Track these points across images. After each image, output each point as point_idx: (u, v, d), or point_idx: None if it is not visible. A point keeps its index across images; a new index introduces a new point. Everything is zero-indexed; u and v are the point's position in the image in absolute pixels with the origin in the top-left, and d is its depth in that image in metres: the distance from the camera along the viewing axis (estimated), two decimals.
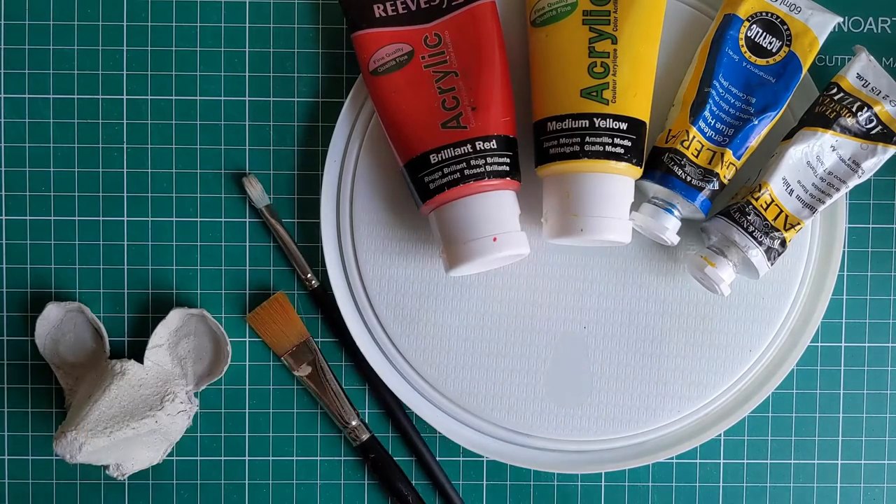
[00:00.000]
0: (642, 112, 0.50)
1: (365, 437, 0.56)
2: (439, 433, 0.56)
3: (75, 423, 0.50)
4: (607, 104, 0.49)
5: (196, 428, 0.56)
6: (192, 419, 0.55)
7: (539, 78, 0.51)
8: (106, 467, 0.54)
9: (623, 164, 0.49)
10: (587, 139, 0.49)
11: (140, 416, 0.52)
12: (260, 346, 0.56)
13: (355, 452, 0.57)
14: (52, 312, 0.55)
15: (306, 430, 0.57)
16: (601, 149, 0.49)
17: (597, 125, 0.49)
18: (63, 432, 0.50)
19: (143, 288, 0.56)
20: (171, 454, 0.56)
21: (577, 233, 0.49)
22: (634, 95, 0.50)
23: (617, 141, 0.49)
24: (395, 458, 0.56)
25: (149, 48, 0.56)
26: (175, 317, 0.55)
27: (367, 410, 0.57)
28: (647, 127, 0.51)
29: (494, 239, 0.49)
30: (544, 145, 0.50)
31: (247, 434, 0.57)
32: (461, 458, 0.57)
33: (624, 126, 0.50)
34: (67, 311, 0.55)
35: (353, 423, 0.56)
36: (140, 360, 0.54)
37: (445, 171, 0.50)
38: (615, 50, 0.50)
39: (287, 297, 0.56)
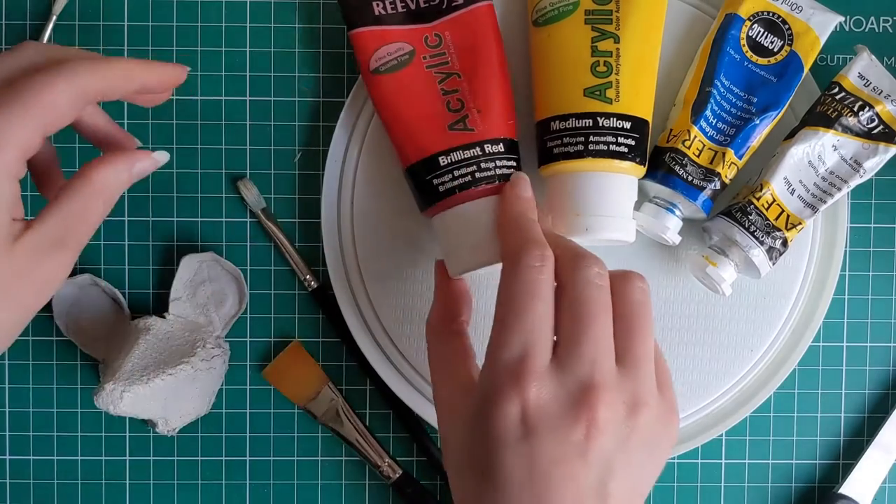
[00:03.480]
0: (645, 111, 0.50)
1: (397, 474, 0.56)
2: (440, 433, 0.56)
3: (112, 376, 0.51)
4: (610, 103, 0.49)
5: (197, 428, 0.56)
6: (227, 363, 0.55)
7: (541, 78, 0.51)
8: (154, 425, 0.54)
9: (627, 163, 0.49)
10: (591, 138, 0.49)
11: (174, 363, 0.52)
12: (261, 346, 0.56)
13: (393, 490, 0.57)
14: (66, 290, 0.55)
15: (307, 431, 0.57)
16: (605, 148, 0.49)
17: (600, 124, 0.49)
18: (102, 385, 0.51)
19: (145, 288, 0.56)
20: (172, 454, 0.56)
21: (581, 232, 0.49)
22: (637, 94, 0.50)
23: (621, 140, 0.49)
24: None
25: (149, 48, 0.56)
26: (187, 265, 0.55)
27: (368, 411, 0.57)
28: (650, 126, 0.51)
29: None
30: (548, 145, 0.50)
31: (248, 434, 0.57)
32: None
33: (627, 125, 0.49)
34: (80, 286, 0.55)
35: (385, 462, 0.56)
36: (162, 316, 0.55)
37: (456, 173, 0.49)
38: (618, 49, 0.50)
39: (302, 346, 0.56)
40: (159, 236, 0.56)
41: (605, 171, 0.49)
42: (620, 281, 0.44)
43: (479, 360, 0.46)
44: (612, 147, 0.49)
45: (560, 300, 0.43)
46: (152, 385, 0.51)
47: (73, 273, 0.55)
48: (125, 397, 0.50)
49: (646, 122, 0.50)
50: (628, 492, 0.42)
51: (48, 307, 0.55)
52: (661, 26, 0.52)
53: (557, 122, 0.50)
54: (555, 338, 0.43)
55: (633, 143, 0.49)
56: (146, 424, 0.55)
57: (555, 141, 0.50)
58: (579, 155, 0.49)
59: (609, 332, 0.43)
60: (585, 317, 0.42)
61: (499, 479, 0.41)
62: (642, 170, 0.50)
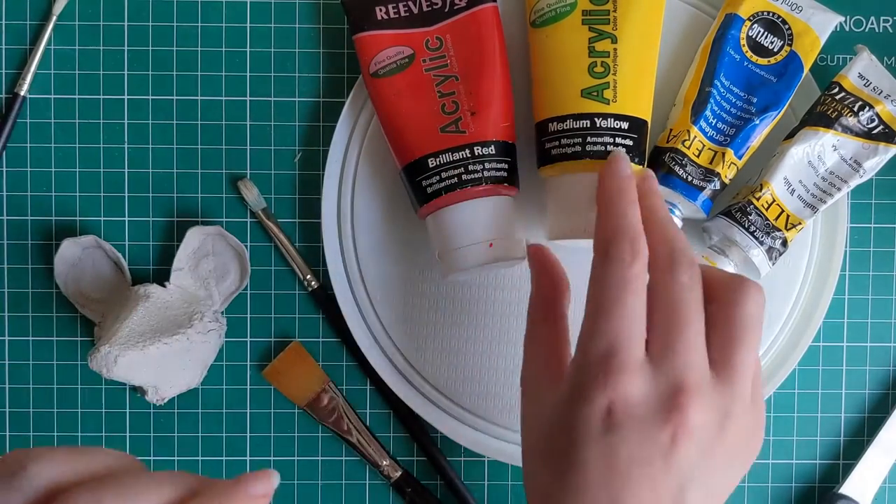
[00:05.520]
0: (644, 111, 0.50)
1: (398, 474, 0.56)
2: (440, 433, 0.56)
3: (108, 339, 0.51)
4: (608, 104, 0.49)
5: (197, 427, 0.56)
6: (223, 337, 0.56)
7: (539, 79, 0.51)
8: (144, 392, 0.54)
9: None
10: (589, 139, 0.49)
11: (170, 332, 0.52)
12: (261, 346, 0.56)
13: (393, 490, 0.57)
14: (69, 250, 0.55)
15: (307, 431, 0.57)
16: (603, 148, 0.49)
17: (598, 125, 0.49)
18: (97, 348, 0.51)
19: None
20: (172, 454, 0.56)
21: (580, 233, 0.49)
22: (635, 95, 0.50)
23: (619, 140, 0.49)
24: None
25: (150, 48, 0.56)
26: (192, 237, 0.55)
27: (368, 410, 0.57)
28: (649, 126, 0.51)
29: (490, 245, 0.49)
30: (546, 146, 0.50)
31: (248, 434, 0.57)
32: (462, 459, 0.57)
33: (625, 125, 0.49)
34: (84, 247, 0.55)
35: (385, 462, 0.56)
36: (162, 285, 0.55)
37: (443, 175, 0.50)
38: (615, 49, 0.50)
39: (302, 346, 0.56)
40: (159, 237, 0.56)
41: None
42: (735, 290, 0.43)
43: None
44: (610, 147, 0.49)
45: (651, 298, 0.42)
46: (147, 352, 0.51)
47: (77, 234, 0.56)
48: (119, 361, 0.50)
49: (644, 122, 0.50)
50: (704, 500, 0.41)
51: (50, 264, 0.55)
52: (659, 26, 0.51)
53: (555, 123, 0.50)
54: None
55: (631, 143, 0.49)
56: (136, 392, 0.55)
57: (553, 142, 0.50)
58: (577, 156, 0.49)
59: (701, 336, 0.42)
60: (678, 320, 0.41)
61: (576, 472, 0.40)
62: (641, 171, 0.50)
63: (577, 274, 0.55)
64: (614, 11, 0.50)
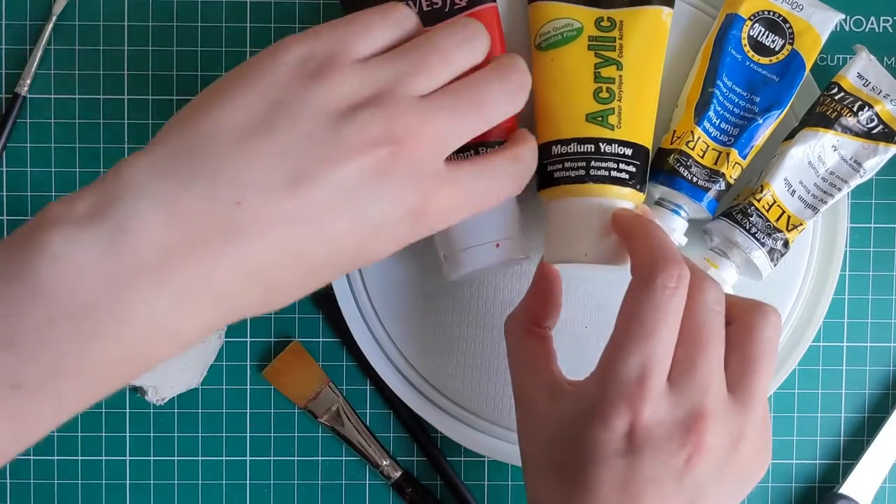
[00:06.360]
0: (645, 139, 0.50)
1: (398, 474, 0.56)
2: (440, 433, 0.56)
3: None
4: (612, 129, 0.49)
5: (197, 428, 0.56)
6: (223, 337, 0.56)
7: (543, 101, 0.51)
8: (144, 392, 0.54)
9: (627, 190, 0.49)
10: (592, 163, 0.49)
11: None
12: (261, 346, 0.56)
13: (393, 490, 0.57)
14: None
15: (307, 431, 0.57)
16: (606, 173, 0.49)
17: (602, 150, 0.49)
18: None
19: None
20: (172, 454, 0.56)
21: (581, 258, 0.48)
22: (639, 122, 0.50)
23: (622, 166, 0.49)
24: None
25: (149, 48, 0.56)
26: None
27: (368, 410, 0.57)
28: (650, 154, 0.50)
29: (497, 245, 0.49)
30: (548, 169, 0.50)
31: (248, 434, 0.57)
32: (462, 459, 0.57)
33: (629, 152, 0.49)
34: None
35: (385, 462, 0.56)
36: None
37: None
38: (620, 76, 0.49)
39: (302, 346, 0.56)
40: None
41: (607, 197, 0.49)
42: (754, 313, 0.44)
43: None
44: (613, 173, 0.49)
45: None
46: None
47: None
48: None
49: (646, 149, 0.50)
50: None
51: None
52: (662, 57, 0.51)
53: (559, 146, 0.49)
54: None
55: (633, 169, 0.49)
56: (136, 392, 0.55)
57: (556, 165, 0.49)
58: (580, 180, 0.49)
59: (721, 361, 0.43)
60: (701, 343, 0.42)
61: (588, 490, 0.41)
62: (641, 197, 0.50)
63: (580, 272, 0.55)
64: (620, 39, 0.50)
